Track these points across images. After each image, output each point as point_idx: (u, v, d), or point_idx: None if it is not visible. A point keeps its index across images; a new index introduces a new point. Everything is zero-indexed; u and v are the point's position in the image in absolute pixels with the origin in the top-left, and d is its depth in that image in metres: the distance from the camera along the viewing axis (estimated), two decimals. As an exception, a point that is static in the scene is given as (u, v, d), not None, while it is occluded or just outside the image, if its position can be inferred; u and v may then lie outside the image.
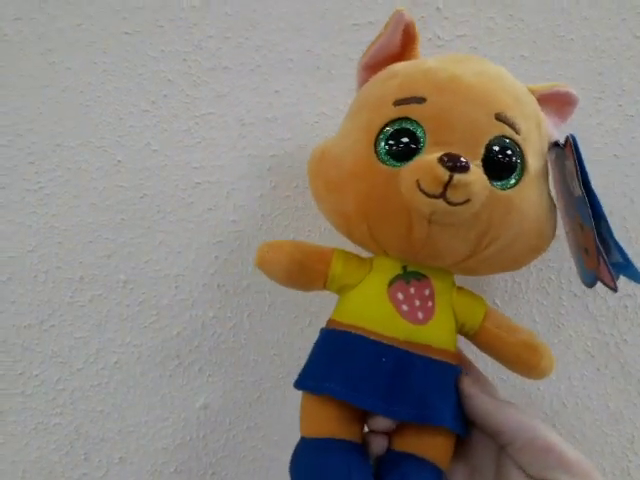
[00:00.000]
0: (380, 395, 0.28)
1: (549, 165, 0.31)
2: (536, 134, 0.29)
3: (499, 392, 0.34)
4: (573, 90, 0.32)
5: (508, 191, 0.27)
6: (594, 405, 0.45)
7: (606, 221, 0.28)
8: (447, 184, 0.25)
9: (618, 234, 0.42)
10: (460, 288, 0.33)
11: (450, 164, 0.25)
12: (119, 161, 0.42)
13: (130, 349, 0.43)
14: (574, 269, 0.43)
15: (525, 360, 0.32)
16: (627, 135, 0.42)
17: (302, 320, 0.43)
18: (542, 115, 0.31)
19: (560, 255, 0.43)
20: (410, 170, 0.27)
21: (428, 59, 0.31)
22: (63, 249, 0.42)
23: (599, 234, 0.28)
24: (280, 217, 0.42)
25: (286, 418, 0.45)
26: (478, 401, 0.30)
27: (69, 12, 0.40)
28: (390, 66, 0.31)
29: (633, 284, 0.43)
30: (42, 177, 0.41)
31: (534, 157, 0.28)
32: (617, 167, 0.42)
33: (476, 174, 0.26)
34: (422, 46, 0.41)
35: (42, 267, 0.42)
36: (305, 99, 0.41)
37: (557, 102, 0.32)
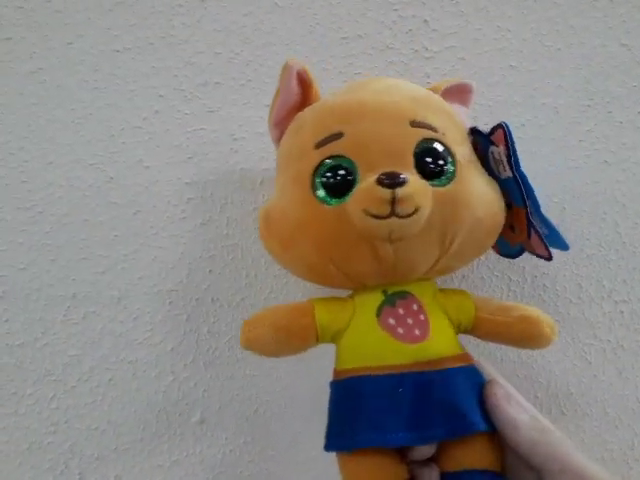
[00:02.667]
0: (408, 426, 0.28)
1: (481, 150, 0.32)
2: (452, 125, 0.30)
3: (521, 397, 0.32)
4: (468, 81, 0.35)
5: (448, 186, 0.28)
6: (592, 412, 0.45)
7: (534, 199, 0.30)
8: (393, 201, 0.26)
9: (610, 239, 0.43)
10: (442, 290, 0.33)
11: (388, 182, 0.26)
12: (111, 178, 0.42)
13: (125, 366, 0.43)
14: (569, 276, 0.44)
15: (529, 333, 0.31)
16: (617, 141, 0.42)
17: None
18: (449, 107, 0.32)
19: (554, 263, 0.43)
20: (355, 201, 0.27)
21: (327, 98, 0.32)
22: (56, 266, 0.42)
23: (530, 212, 0.30)
24: (273, 230, 0.42)
25: (283, 432, 0.44)
26: (502, 412, 0.29)
27: (60, 31, 0.41)
28: (296, 116, 0.32)
29: (628, 289, 0.44)
30: (34, 195, 0.41)
31: (459, 146, 0.30)
32: (608, 173, 0.43)
33: (415, 182, 0.27)
34: (410, 58, 0.42)
35: (34, 285, 0.42)
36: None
37: (458, 93, 0.35)
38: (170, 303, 0.43)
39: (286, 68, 0.31)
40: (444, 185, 0.28)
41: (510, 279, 0.43)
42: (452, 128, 0.30)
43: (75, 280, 0.42)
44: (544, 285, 0.43)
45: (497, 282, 0.43)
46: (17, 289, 0.42)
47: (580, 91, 0.42)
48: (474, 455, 0.29)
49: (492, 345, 0.43)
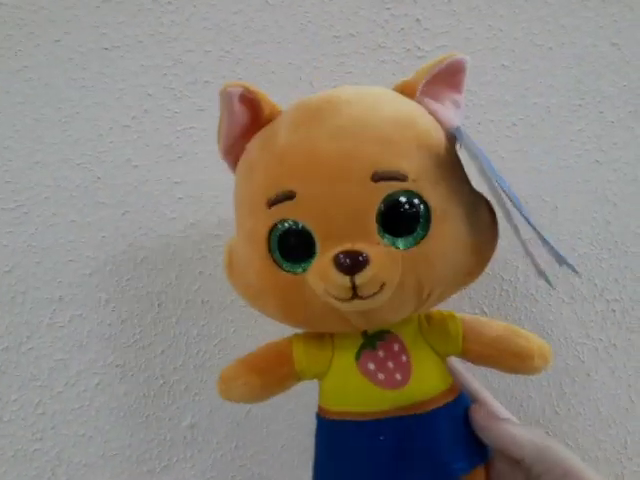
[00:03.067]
0: (392, 474, 0.28)
1: (463, 155, 0.27)
2: (428, 157, 0.25)
3: (504, 414, 0.32)
4: (459, 55, 0.28)
5: (420, 245, 0.25)
6: (586, 411, 0.45)
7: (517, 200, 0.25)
8: (354, 286, 0.24)
9: (602, 238, 0.43)
10: (428, 316, 0.31)
11: (346, 266, 0.24)
12: (99, 177, 0.41)
13: (112, 370, 0.42)
14: (561, 275, 0.44)
15: (519, 368, 0.30)
16: (608, 141, 0.43)
17: (289, 335, 0.43)
18: (423, 125, 0.26)
19: (547, 261, 0.43)
20: (314, 279, 0.25)
21: (279, 127, 0.27)
22: (41, 268, 0.41)
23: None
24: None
25: (275, 436, 0.44)
26: (492, 434, 0.29)
27: (46, 28, 0.40)
28: (245, 152, 0.29)
29: (620, 288, 0.44)
30: (20, 195, 0.40)
31: (436, 187, 0.25)
32: (599, 173, 0.43)
33: (379, 260, 0.24)
34: (402, 57, 0.41)
35: (20, 287, 0.41)
36: (288, 111, 0.41)
37: (447, 77, 0.28)
38: (159, 305, 0.42)
39: (223, 95, 0.26)
40: (415, 243, 0.25)
41: (502, 278, 0.43)
42: (429, 162, 0.25)
43: (61, 282, 0.41)
44: (537, 285, 0.43)
45: (489, 281, 0.43)
46: (2, 292, 0.40)
47: (571, 90, 0.42)
48: None
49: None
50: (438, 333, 0.30)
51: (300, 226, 0.25)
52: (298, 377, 0.31)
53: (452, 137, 0.27)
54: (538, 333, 0.43)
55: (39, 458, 0.42)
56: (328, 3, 0.41)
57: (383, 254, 0.24)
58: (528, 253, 0.26)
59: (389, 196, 0.24)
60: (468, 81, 0.42)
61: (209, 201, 0.42)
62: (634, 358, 0.44)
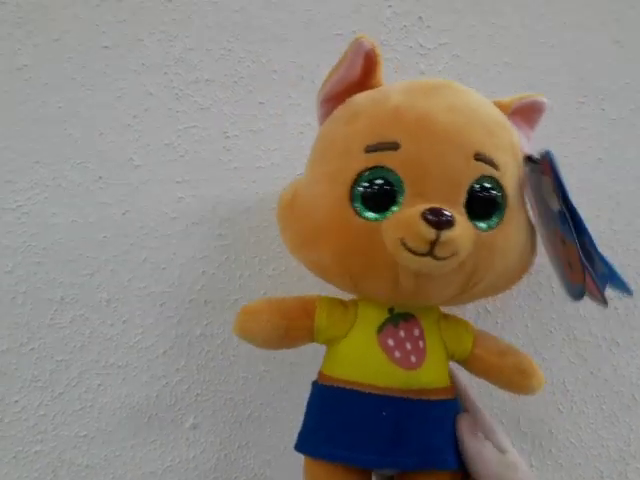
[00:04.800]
0: (381, 450, 0.28)
1: (524, 180, 0.30)
2: (513, 163, 0.28)
3: (496, 428, 0.32)
4: (544, 98, 0.32)
5: (491, 232, 0.27)
6: (589, 409, 0.45)
7: (588, 234, 0.27)
8: (434, 242, 0.25)
9: (605, 236, 0.43)
10: (446, 316, 0.32)
11: (435, 220, 0.24)
12: (100, 177, 0.40)
13: (114, 370, 0.42)
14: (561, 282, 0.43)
15: (516, 383, 0.32)
16: (611, 138, 0.43)
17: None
18: (515, 137, 0.29)
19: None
20: (393, 227, 0.26)
21: (391, 91, 0.28)
22: (42, 269, 0.40)
23: (582, 248, 0.27)
24: (268, 229, 0.42)
25: (278, 436, 0.43)
26: (464, 446, 0.29)
27: (46, 27, 0.39)
28: (350, 101, 0.29)
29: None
30: (20, 195, 0.40)
31: (513, 188, 0.28)
32: (602, 170, 0.43)
33: (462, 227, 0.25)
34: (404, 54, 0.41)
35: (20, 288, 0.40)
36: (290, 110, 0.41)
37: (527, 112, 0.32)
38: (161, 305, 0.41)
39: (355, 44, 0.28)
40: (487, 229, 0.27)
41: (506, 277, 0.43)
42: (513, 167, 0.28)
43: (63, 283, 0.41)
44: (539, 283, 0.43)
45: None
46: (2, 292, 0.40)
47: (573, 88, 0.42)
48: None
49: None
50: (452, 332, 0.31)
51: (392, 177, 0.26)
52: (313, 335, 0.31)
53: (527, 160, 0.29)
54: (541, 331, 0.44)
55: (40, 459, 0.41)
56: (330, 1, 0.41)
57: (465, 224, 0.26)
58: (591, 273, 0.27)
59: (483, 177, 0.26)
60: (470, 79, 0.42)
61: (211, 200, 0.41)
62: (637, 356, 0.44)
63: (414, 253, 0.25)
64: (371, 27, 0.41)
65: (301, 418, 0.43)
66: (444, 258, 0.25)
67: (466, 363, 0.32)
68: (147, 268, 0.41)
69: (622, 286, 0.28)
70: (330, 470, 0.29)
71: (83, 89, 0.40)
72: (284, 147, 0.41)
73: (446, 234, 0.24)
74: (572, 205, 0.27)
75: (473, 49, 0.41)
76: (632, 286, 0.42)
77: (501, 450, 0.30)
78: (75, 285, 0.41)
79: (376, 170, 0.26)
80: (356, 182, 0.27)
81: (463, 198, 0.26)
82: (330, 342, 0.31)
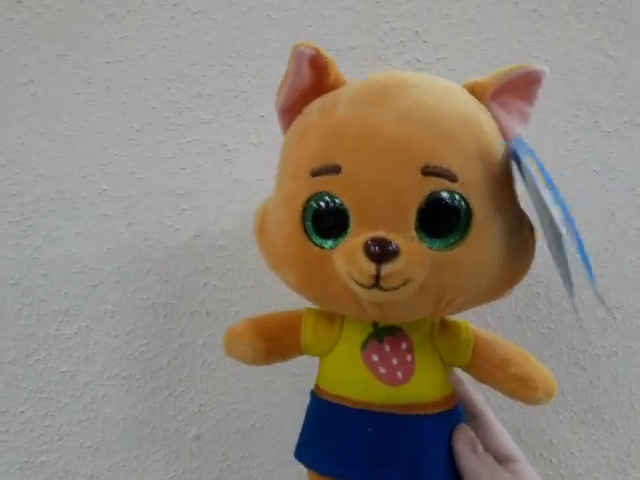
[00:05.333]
0: (370, 465, 0.28)
1: (516, 172, 0.26)
2: (480, 164, 0.24)
3: (501, 434, 0.31)
4: (538, 66, 0.26)
5: (455, 250, 0.24)
6: (589, 419, 0.45)
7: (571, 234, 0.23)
8: (377, 276, 0.23)
9: (600, 248, 0.43)
10: (443, 323, 0.30)
11: (376, 252, 0.23)
12: (104, 190, 0.41)
13: (119, 381, 0.42)
14: (561, 282, 0.44)
15: (521, 395, 0.30)
16: (605, 151, 0.43)
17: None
18: (486, 129, 0.25)
19: (547, 269, 0.43)
20: (340, 259, 0.25)
21: (341, 98, 0.26)
22: (47, 281, 0.41)
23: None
24: (268, 241, 0.42)
25: (282, 446, 0.44)
26: (461, 462, 0.28)
27: (51, 43, 0.40)
28: (303, 112, 0.28)
29: (621, 295, 0.44)
30: (25, 208, 0.41)
31: (482, 196, 0.24)
32: (597, 182, 0.43)
33: (409, 255, 0.23)
34: (401, 69, 0.42)
35: (26, 300, 0.41)
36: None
37: (520, 86, 0.27)
38: (165, 316, 0.42)
39: (295, 53, 0.26)
40: (448, 247, 0.24)
41: (505, 287, 0.44)
42: (482, 167, 0.24)
43: (67, 294, 0.41)
44: (537, 293, 0.44)
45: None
46: (8, 304, 0.41)
47: (568, 102, 0.43)
48: None
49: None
50: (448, 342, 0.30)
51: (338, 202, 0.25)
52: (301, 351, 0.31)
53: (511, 150, 0.26)
54: (539, 341, 0.44)
55: (46, 470, 0.42)
56: (329, 17, 0.41)
57: (414, 250, 0.24)
58: (566, 279, 0.24)
59: (434, 193, 0.24)
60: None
61: (213, 212, 0.42)
62: (636, 365, 0.44)
63: (362, 286, 0.24)
64: (369, 42, 0.42)
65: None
66: (393, 288, 0.24)
67: (467, 371, 0.31)
68: (150, 280, 0.42)
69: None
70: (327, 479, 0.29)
71: (87, 104, 0.41)
72: (285, 160, 0.42)
73: (388, 267, 0.23)
74: (538, 191, 0.23)
75: (469, 64, 0.42)
76: (631, 298, 0.44)
77: (505, 459, 0.29)
78: (79, 297, 0.41)
79: (322, 195, 0.25)
80: (305, 209, 0.26)
81: (412, 220, 0.24)
82: (319, 355, 0.31)
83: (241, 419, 0.43)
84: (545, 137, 0.43)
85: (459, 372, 0.33)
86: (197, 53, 0.41)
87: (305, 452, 0.31)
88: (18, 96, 0.40)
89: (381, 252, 0.23)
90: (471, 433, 0.29)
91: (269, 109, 0.41)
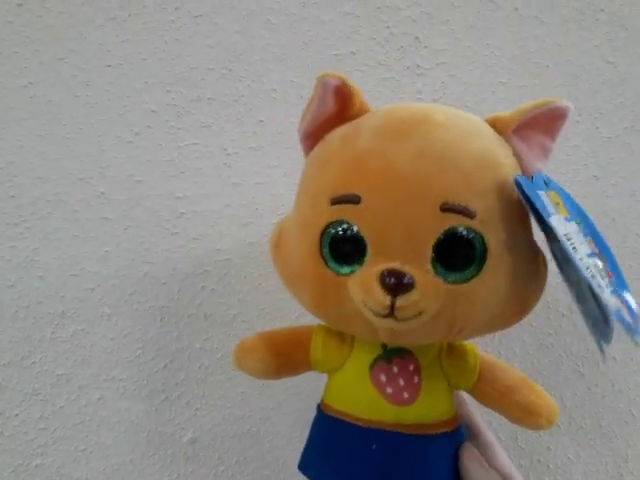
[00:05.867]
0: None
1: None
2: (498, 204, 0.25)
3: (500, 453, 0.31)
4: (564, 102, 0.26)
5: (469, 284, 0.25)
6: (587, 425, 0.45)
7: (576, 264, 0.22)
8: (392, 306, 0.24)
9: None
10: (450, 348, 0.31)
11: (391, 283, 0.24)
12: (102, 193, 0.41)
13: (115, 384, 0.42)
14: (560, 287, 0.44)
15: (524, 421, 0.30)
16: (605, 156, 0.43)
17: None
18: (505, 170, 0.25)
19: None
20: (356, 287, 0.25)
21: (364, 129, 0.27)
22: (44, 283, 0.41)
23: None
24: (267, 245, 0.42)
25: (277, 451, 0.43)
26: (472, 476, 0.29)
27: (51, 46, 0.40)
28: (325, 139, 0.28)
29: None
30: (23, 210, 0.41)
31: (498, 233, 0.25)
32: (597, 188, 0.43)
33: (423, 288, 0.24)
34: (402, 75, 0.42)
35: (22, 302, 0.41)
36: (289, 128, 0.42)
37: (544, 121, 0.27)
38: (161, 320, 0.42)
39: (320, 83, 0.27)
40: (463, 282, 0.25)
41: (503, 293, 0.43)
42: (499, 204, 0.25)
43: (64, 297, 0.41)
44: (536, 298, 0.44)
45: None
46: (4, 306, 0.41)
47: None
48: None
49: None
50: (456, 365, 0.30)
51: (356, 231, 0.25)
52: (310, 367, 0.32)
53: (520, 190, 0.25)
54: (538, 347, 0.44)
55: (40, 473, 0.42)
56: (329, 22, 0.41)
57: (429, 283, 0.24)
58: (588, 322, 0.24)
59: (452, 228, 0.24)
60: (466, 98, 0.43)
61: (211, 216, 0.42)
62: (634, 371, 0.44)
63: (376, 315, 0.25)
64: (369, 47, 0.42)
65: (299, 434, 0.43)
66: (407, 319, 0.24)
67: (471, 394, 0.32)
68: (147, 283, 0.42)
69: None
70: None
71: (87, 107, 0.41)
72: (283, 164, 0.42)
73: (403, 299, 0.24)
74: (553, 232, 0.23)
75: (469, 69, 0.42)
76: (631, 304, 0.43)
77: (505, 477, 0.29)
78: (76, 299, 0.41)
79: (341, 223, 0.26)
80: (323, 235, 0.26)
81: (429, 254, 0.24)
82: (328, 372, 0.32)
83: (237, 423, 0.43)
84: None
85: (462, 393, 0.33)
86: (197, 57, 0.41)
87: (309, 466, 0.31)
88: (17, 98, 0.40)
89: (396, 284, 0.24)
90: (477, 451, 0.30)
91: (268, 113, 0.42)
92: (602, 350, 0.24)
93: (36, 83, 0.41)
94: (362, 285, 0.25)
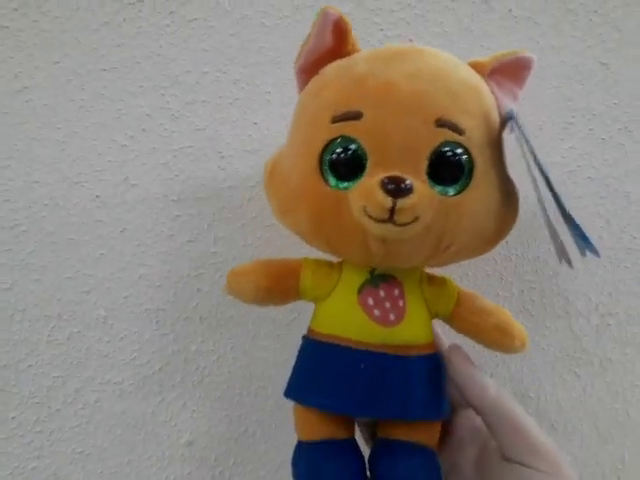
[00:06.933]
0: (359, 400, 0.30)
1: (511, 140, 0.29)
2: (482, 126, 0.28)
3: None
4: (529, 53, 0.30)
5: (458, 196, 0.27)
6: (583, 426, 0.45)
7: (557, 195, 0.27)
8: (392, 209, 0.26)
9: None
10: (431, 277, 0.33)
11: (392, 188, 0.26)
12: (97, 196, 0.41)
13: (111, 387, 0.42)
14: (556, 290, 0.44)
15: (499, 343, 0.33)
16: (599, 157, 0.43)
17: (287, 351, 0.43)
18: (488, 99, 0.29)
19: (541, 276, 0.43)
20: (356, 195, 0.27)
21: (358, 59, 0.29)
22: (40, 286, 0.41)
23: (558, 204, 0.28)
24: (262, 247, 0.42)
25: (273, 452, 0.44)
26: (457, 369, 0.31)
27: (47, 51, 0.40)
28: (321, 72, 0.30)
29: (616, 302, 0.44)
30: (18, 214, 0.41)
31: (483, 151, 0.28)
32: (591, 189, 0.43)
33: (420, 193, 0.26)
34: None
35: (18, 305, 0.41)
36: (284, 130, 0.41)
37: (512, 69, 0.31)
38: (157, 322, 0.42)
39: (321, 15, 0.28)
40: (453, 194, 0.27)
41: (498, 294, 0.44)
42: (483, 127, 0.28)
43: (60, 300, 0.41)
44: (531, 299, 0.44)
45: (485, 296, 0.43)
46: (0, 309, 0.41)
47: (562, 109, 0.43)
48: (411, 431, 0.31)
49: (482, 361, 0.43)
50: (435, 292, 0.33)
51: (357, 146, 0.27)
52: (299, 294, 0.33)
53: (503, 121, 0.29)
54: (534, 348, 0.44)
55: (37, 476, 0.42)
56: (323, 25, 0.42)
57: (425, 190, 0.26)
58: (552, 233, 0.27)
59: (445, 142, 0.27)
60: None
61: (206, 219, 0.42)
62: (630, 372, 0.44)
63: (375, 220, 0.26)
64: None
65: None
66: (405, 224, 0.26)
67: (449, 321, 0.34)
68: (143, 285, 0.42)
69: (590, 246, 0.28)
70: (316, 416, 0.31)
71: (82, 110, 0.41)
72: (278, 167, 0.42)
73: (403, 201, 0.25)
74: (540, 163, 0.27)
75: (463, 71, 0.42)
76: (625, 305, 0.43)
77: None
78: (72, 302, 0.41)
79: (341, 140, 0.27)
80: (324, 152, 0.28)
81: (425, 165, 0.27)
82: (316, 300, 0.33)
83: (233, 425, 0.43)
84: (540, 144, 0.43)
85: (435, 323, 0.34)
86: (191, 60, 0.41)
87: (296, 390, 0.32)
88: (13, 102, 0.41)
89: (397, 188, 0.26)
90: (464, 351, 0.32)
91: (262, 116, 0.42)
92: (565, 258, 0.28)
93: (31, 87, 0.41)
94: (363, 192, 0.26)
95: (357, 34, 0.42)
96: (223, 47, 0.41)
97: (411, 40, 0.42)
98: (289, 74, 0.42)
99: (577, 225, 0.27)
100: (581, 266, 0.44)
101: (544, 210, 0.27)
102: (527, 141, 0.27)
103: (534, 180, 0.27)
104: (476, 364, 0.31)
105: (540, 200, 0.27)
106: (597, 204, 0.43)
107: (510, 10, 0.42)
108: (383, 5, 0.42)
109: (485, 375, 0.31)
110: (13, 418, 0.41)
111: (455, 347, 0.32)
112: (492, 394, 0.30)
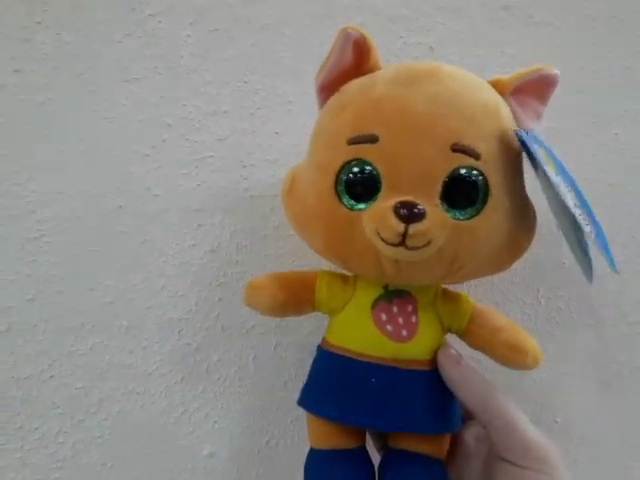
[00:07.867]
0: (370, 413, 0.30)
1: (525, 161, 0.30)
2: (499, 149, 0.28)
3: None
4: (554, 70, 0.30)
5: (472, 220, 0.27)
6: (613, 437, 0.44)
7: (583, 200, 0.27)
8: (405, 234, 0.26)
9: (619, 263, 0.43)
10: (445, 292, 0.34)
11: (404, 213, 0.26)
12: (120, 207, 0.41)
13: (133, 397, 0.42)
14: (584, 297, 0.43)
15: (510, 359, 0.33)
16: (623, 164, 0.43)
17: (309, 362, 0.42)
18: (506, 121, 0.29)
19: (568, 283, 0.43)
20: (369, 218, 0.27)
21: (378, 79, 0.29)
22: (63, 297, 0.41)
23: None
24: (284, 257, 0.42)
25: (296, 464, 0.43)
26: (450, 374, 0.31)
27: (70, 63, 0.41)
28: (341, 90, 0.31)
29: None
30: (42, 225, 0.41)
31: (499, 175, 0.28)
32: (614, 197, 0.43)
33: (433, 218, 0.26)
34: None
35: (42, 316, 0.41)
36: (305, 139, 0.41)
37: (536, 87, 0.30)
38: (179, 332, 0.42)
39: (342, 35, 0.28)
40: (467, 218, 0.27)
41: (524, 302, 0.43)
42: (500, 150, 0.28)
43: (83, 311, 0.41)
44: (558, 307, 0.43)
45: (511, 306, 0.43)
46: (24, 320, 0.41)
47: (584, 114, 0.43)
48: (420, 443, 0.32)
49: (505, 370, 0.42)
50: (449, 307, 0.33)
51: (372, 169, 0.27)
52: (314, 307, 0.34)
53: (518, 139, 0.28)
54: (561, 356, 0.43)
55: (59, 488, 0.42)
56: (343, 34, 0.42)
57: (438, 215, 0.27)
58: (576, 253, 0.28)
59: (460, 168, 0.27)
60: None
61: (228, 228, 0.42)
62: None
63: (388, 243, 0.27)
64: (383, 59, 0.42)
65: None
66: (417, 248, 0.26)
67: (462, 337, 0.34)
68: (165, 295, 0.42)
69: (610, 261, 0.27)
70: (328, 426, 0.32)
71: (104, 121, 0.41)
72: (299, 175, 0.42)
73: (415, 227, 0.26)
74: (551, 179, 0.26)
75: (484, 77, 0.42)
76: (628, 308, 0.43)
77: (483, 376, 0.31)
78: (95, 313, 0.41)
79: (357, 162, 0.28)
80: (340, 173, 0.28)
81: (438, 190, 0.27)
82: (330, 313, 0.34)
83: (255, 437, 0.43)
84: (562, 149, 0.42)
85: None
86: (213, 71, 0.42)
87: (309, 400, 0.33)
88: (37, 114, 0.41)
89: (409, 213, 0.26)
90: (453, 350, 0.32)
91: (284, 126, 0.42)
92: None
93: (55, 99, 0.41)
94: (377, 215, 0.27)
95: (376, 42, 0.42)
96: (244, 57, 0.42)
97: (432, 48, 0.42)
98: (310, 83, 0.42)
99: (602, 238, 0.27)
100: (608, 274, 0.43)
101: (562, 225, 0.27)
102: (539, 165, 0.27)
103: (550, 202, 0.28)
104: (473, 365, 0.31)
105: (561, 227, 0.27)
106: (621, 210, 0.43)
107: (530, 16, 0.42)
108: (401, 13, 0.42)
109: (477, 374, 0.31)
110: (36, 429, 0.41)
111: (445, 349, 0.32)
112: (483, 392, 0.30)
